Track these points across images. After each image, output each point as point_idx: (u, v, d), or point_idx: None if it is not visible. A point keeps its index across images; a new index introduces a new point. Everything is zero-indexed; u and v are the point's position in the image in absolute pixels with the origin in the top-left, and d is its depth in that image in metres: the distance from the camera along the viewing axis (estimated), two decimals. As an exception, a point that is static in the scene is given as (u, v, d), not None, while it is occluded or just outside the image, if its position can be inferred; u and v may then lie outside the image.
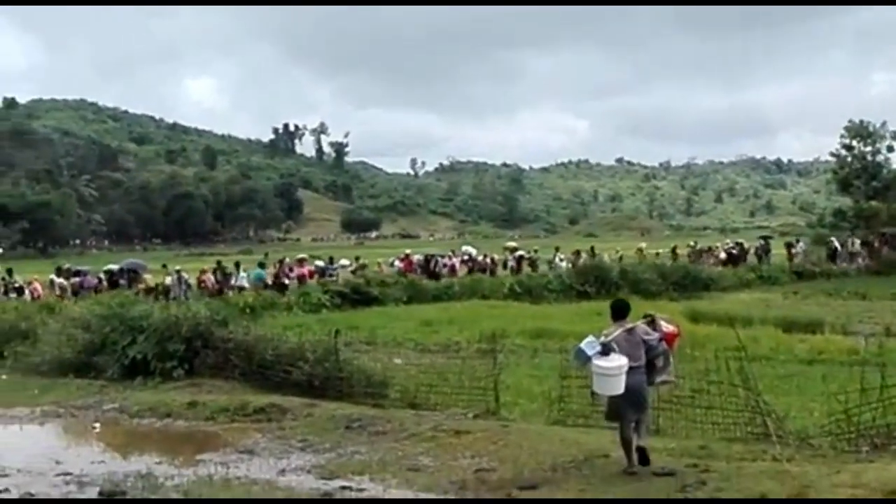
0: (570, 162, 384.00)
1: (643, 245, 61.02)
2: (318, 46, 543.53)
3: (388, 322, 29.35)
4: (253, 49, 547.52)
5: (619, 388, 9.96)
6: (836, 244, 53.02)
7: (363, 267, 43.69)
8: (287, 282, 37.75)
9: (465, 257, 49.48)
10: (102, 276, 40.41)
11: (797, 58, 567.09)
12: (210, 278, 37.12)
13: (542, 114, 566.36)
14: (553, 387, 14.44)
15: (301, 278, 38.76)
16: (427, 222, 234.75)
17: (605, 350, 10.07)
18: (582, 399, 13.35)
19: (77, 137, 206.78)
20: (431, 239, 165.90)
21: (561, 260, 47.30)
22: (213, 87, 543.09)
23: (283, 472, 11.42)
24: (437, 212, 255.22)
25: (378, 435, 13.12)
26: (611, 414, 10.58)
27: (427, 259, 46.09)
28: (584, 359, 10.21)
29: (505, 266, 48.29)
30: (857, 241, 54.69)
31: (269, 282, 37.36)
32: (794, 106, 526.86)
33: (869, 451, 11.04)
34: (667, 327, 10.86)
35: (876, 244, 54.84)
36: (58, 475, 11.21)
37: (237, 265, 39.02)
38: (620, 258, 49.33)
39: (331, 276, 39.87)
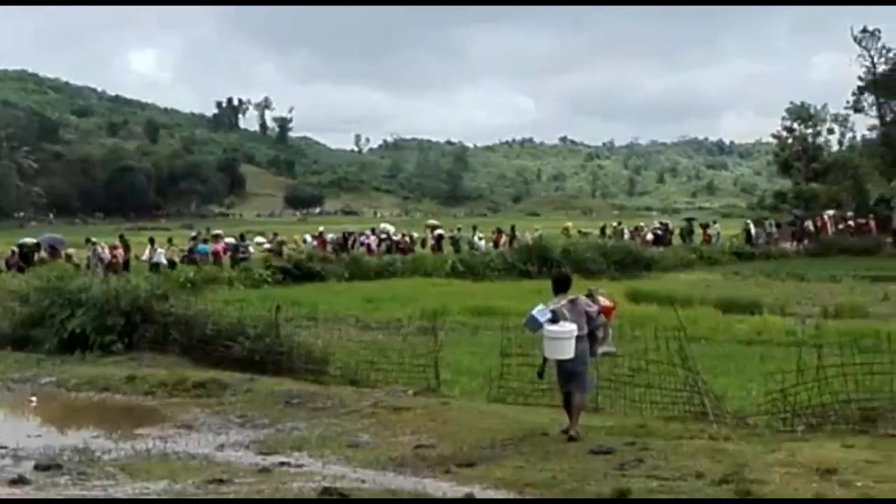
0: (514, 141, 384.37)
1: (569, 224, 61.18)
2: (263, 20, 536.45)
3: (330, 298, 29.15)
4: (197, 22, 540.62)
5: (569, 352, 10.67)
6: (752, 227, 53.89)
7: (281, 244, 43.39)
8: (198, 258, 37.84)
9: (383, 235, 49.20)
10: (15, 249, 38.88)
11: (739, 39, 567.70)
12: (121, 253, 37.19)
13: (487, 91, 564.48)
14: (493, 365, 14.46)
15: (215, 255, 38.77)
16: (370, 199, 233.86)
17: (555, 317, 10.74)
18: (522, 377, 13.47)
19: (17, 108, 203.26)
20: (377, 216, 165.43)
21: (480, 239, 47.43)
22: (156, 60, 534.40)
23: (221, 447, 11.37)
24: (381, 188, 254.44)
25: (318, 411, 13.11)
26: (560, 381, 11.26)
27: (345, 237, 46.18)
28: (537, 325, 10.86)
29: (423, 245, 48.48)
30: (774, 224, 55.90)
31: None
32: (737, 88, 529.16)
33: (804, 431, 11.22)
34: (604, 301, 11.45)
35: (785, 225, 55.92)
36: (-7, 449, 11.04)
37: (151, 241, 38.98)
38: (540, 237, 48.77)
39: (243, 253, 39.66)
